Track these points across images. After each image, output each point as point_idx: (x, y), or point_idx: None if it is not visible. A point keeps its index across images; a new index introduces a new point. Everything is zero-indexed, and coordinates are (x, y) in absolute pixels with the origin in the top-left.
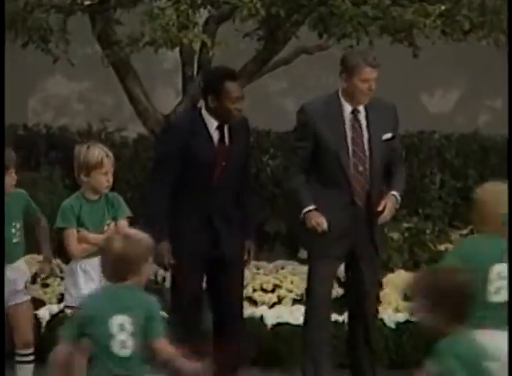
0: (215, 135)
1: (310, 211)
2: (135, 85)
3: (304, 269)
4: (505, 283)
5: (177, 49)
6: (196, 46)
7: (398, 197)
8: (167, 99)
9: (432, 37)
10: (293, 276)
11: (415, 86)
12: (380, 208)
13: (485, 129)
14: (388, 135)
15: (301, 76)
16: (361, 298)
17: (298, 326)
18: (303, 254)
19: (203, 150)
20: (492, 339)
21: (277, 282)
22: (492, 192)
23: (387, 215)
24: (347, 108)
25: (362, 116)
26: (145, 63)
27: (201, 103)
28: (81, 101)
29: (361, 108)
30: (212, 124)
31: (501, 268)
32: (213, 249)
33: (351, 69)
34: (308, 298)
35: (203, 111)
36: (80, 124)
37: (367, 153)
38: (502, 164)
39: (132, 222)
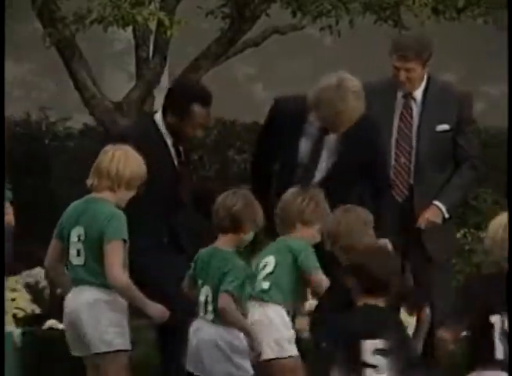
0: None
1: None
2: (82, 69)
3: None
4: None
5: (130, 28)
6: (152, 25)
7: (443, 208)
8: (119, 85)
9: (421, 16)
10: None
11: None
12: (418, 224)
13: (482, 120)
14: (445, 127)
15: (271, 59)
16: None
17: None
18: None
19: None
20: None
21: None
22: None
23: (426, 228)
24: (400, 92)
25: (416, 103)
26: (93, 43)
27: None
28: (18, 86)
29: (417, 93)
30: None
31: None
32: None
33: (389, 54)
34: None
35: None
36: (17, 113)
37: (414, 145)
38: (500, 159)
39: None
